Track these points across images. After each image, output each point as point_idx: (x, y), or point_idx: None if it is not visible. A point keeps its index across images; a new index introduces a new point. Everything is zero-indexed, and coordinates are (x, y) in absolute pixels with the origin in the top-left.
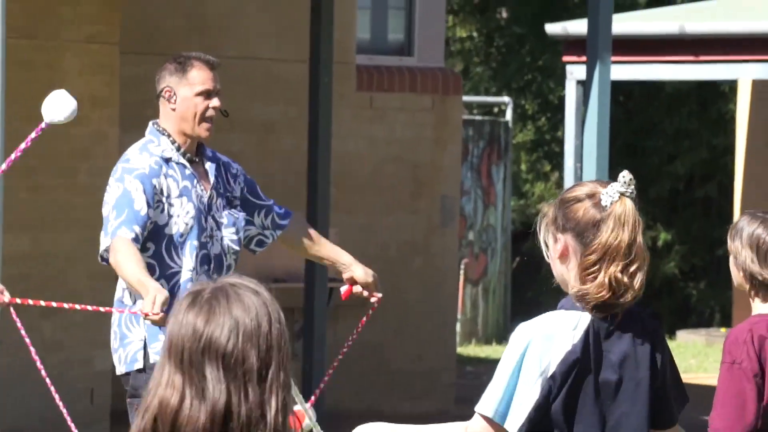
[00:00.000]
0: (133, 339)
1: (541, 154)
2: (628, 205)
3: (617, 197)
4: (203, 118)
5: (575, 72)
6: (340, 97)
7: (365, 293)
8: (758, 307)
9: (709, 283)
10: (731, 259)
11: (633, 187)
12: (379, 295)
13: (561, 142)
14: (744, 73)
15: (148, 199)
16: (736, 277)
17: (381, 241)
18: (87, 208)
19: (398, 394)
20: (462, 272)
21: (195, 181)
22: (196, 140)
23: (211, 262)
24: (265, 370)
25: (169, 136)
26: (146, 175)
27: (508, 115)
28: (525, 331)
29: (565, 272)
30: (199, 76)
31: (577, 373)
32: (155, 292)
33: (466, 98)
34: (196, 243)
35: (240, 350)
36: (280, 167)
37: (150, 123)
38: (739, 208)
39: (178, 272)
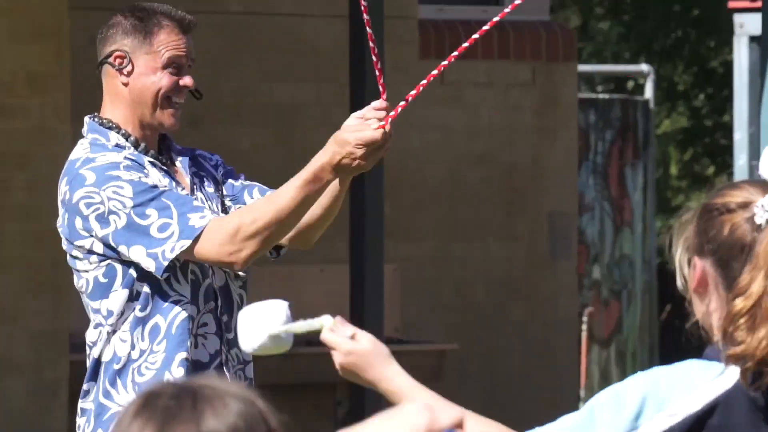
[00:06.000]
0: (116, 409)
1: (700, 149)
2: None
3: None
4: (168, 102)
5: (747, 24)
6: (395, 68)
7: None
8: None
9: None
10: None
11: None
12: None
13: (729, 131)
14: None
15: (163, 182)
16: None
17: (461, 281)
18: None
19: None
20: (585, 327)
21: (173, 182)
22: (157, 132)
23: (217, 296)
24: None
25: (119, 129)
26: (135, 163)
27: (649, 92)
28: (644, 378)
29: (706, 314)
30: (169, 41)
31: None
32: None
33: (583, 67)
34: (194, 267)
35: None
36: None
37: (86, 118)
38: None
39: (180, 302)
